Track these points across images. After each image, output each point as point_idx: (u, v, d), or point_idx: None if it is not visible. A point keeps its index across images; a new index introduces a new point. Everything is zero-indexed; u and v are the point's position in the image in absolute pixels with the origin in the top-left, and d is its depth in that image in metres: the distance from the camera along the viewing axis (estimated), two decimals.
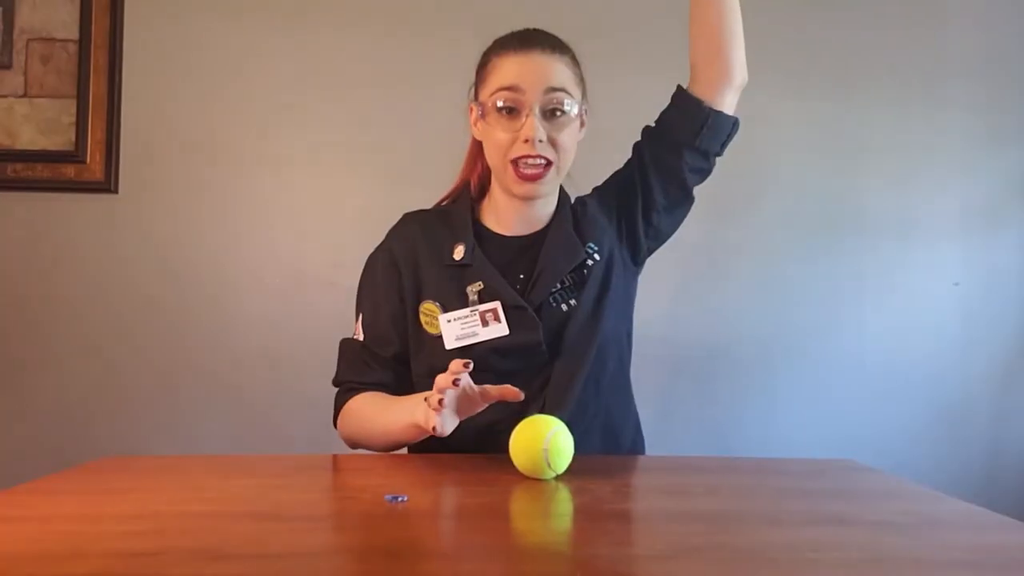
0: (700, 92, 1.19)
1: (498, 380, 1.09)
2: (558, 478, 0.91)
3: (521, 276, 1.18)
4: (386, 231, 1.27)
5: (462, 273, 1.17)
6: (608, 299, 1.18)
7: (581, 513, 0.80)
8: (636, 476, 0.97)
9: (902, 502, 0.88)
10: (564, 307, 1.16)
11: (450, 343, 1.12)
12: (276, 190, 2.00)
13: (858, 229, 2.06)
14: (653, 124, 1.24)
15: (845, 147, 2.07)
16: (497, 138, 1.13)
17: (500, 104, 1.12)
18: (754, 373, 2.03)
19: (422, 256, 1.20)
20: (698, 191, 1.25)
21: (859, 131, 2.07)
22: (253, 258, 1.98)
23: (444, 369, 1.03)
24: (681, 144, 1.20)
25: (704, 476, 0.98)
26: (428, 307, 1.17)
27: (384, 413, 1.11)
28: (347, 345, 1.23)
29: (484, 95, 1.15)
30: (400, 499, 0.79)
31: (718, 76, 1.18)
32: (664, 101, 1.23)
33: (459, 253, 1.17)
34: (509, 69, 1.12)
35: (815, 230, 2.05)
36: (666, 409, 2.01)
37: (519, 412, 1.01)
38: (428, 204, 1.29)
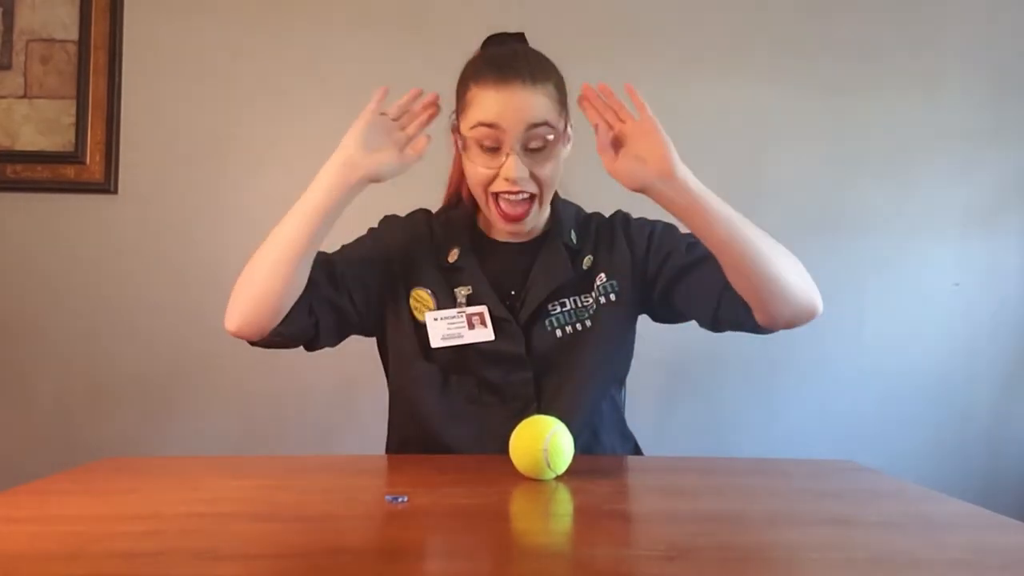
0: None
1: (480, 385, 1.13)
2: (558, 478, 0.91)
3: (512, 292, 1.18)
4: None
5: (454, 275, 1.18)
6: (612, 341, 1.18)
7: (581, 513, 0.80)
8: (636, 476, 0.97)
9: (902, 502, 0.88)
10: (559, 333, 1.15)
11: (435, 341, 1.13)
12: (277, 190, 1.98)
13: (858, 229, 2.06)
14: (684, 273, 1.17)
15: (845, 147, 2.07)
16: (478, 173, 1.11)
17: (480, 142, 1.09)
18: (754, 373, 2.03)
19: (422, 252, 1.21)
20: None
21: (859, 131, 2.07)
22: None
23: (424, 354, 1.11)
24: (696, 316, 1.19)
25: (704, 476, 0.98)
26: (421, 294, 1.17)
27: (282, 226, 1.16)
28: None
29: (464, 127, 1.12)
30: (400, 499, 0.79)
31: (766, 322, 1.11)
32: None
33: (453, 256, 1.18)
34: (488, 106, 1.08)
35: (815, 230, 2.04)
36: (666, 409, 2.01)
37: (515, 417, 0.98)
38: (428, 203, 1.29)
